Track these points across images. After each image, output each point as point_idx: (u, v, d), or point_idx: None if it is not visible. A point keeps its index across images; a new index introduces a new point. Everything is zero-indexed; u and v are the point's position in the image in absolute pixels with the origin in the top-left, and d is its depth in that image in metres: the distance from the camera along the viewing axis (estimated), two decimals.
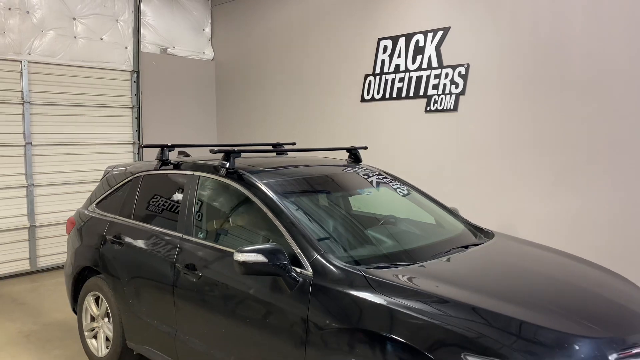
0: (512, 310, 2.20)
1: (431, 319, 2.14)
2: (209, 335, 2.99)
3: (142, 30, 7.61)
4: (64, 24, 6.77)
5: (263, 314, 2.68)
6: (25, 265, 6.61)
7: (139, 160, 7.59)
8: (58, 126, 6.77)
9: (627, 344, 2.13)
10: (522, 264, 2.90)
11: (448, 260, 2.78)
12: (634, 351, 2.12)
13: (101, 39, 7.15)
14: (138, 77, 7.55)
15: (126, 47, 7.44)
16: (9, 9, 6.28)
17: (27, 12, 6.44)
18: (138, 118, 7.59)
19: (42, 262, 6.73)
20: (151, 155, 7.24)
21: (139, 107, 7.58)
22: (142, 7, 7.57)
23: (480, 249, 3.01)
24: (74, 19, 6.86)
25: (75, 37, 6.88)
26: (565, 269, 2.86)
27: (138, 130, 7.60)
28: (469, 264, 2.81)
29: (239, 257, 2.54)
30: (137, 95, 7.55)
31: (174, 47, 8.07)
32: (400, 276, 2.46)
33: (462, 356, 1.99)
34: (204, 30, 8.47)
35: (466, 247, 3.01)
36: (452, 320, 2.12)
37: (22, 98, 6.44)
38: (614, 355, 2.05)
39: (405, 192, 3.75)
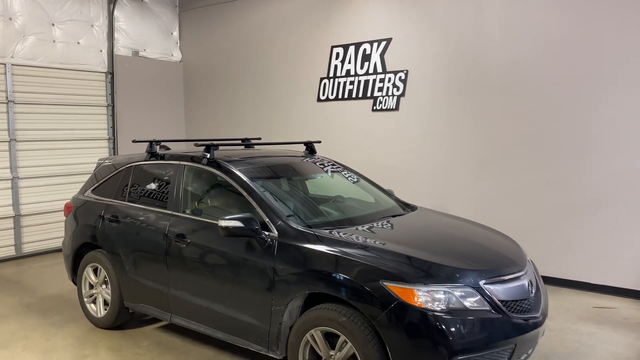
0: (418, 253, 3.16)
1: (359, 260, 3.07)
2: (196, 288, 3.83)
3: (116, 35, 8.25)
4: (44, 29, 7.37)
5: (240, 268, 3.55)
6: (10, 251, 7.21)
7: (114, 154, 8.25)
8: (40, 123, 7.38)
9: (494, 274, 3.12)
10: (432, 226, 3.92)
11: (377, 225, 3.73)
12: (497, 279, 3.11)
13: (78, 43, 7.77)
14: (112, 78, 8.20)
15: (101, 50, 8.08)
16: None
17: (10, 19, 7.01)
18: (113, 116, 8.25)
19: (27, 248, 7.35)
20: (125, 151, 7.94)
21: (113, 106, 8.24)
22: (115, 13, 8.21)
23: (403, 217, 3.99)
24: (53, 24, 7.46)
25: (54, 41, 7.49)
26: (461, 229, 3.90)
27: (113, 127, 8.27)
28: (393, 226, 3.77)
29: (222, 223, 3.40)
30: (112, 94, 8.21)
31: (144, 49, 8.74)
32: (341, 234, 3.38)
33: (379, 282, 2.92)
34: (172, 34, 9.17)
35: (394, 216, 3.98)
36: (374, 260, 3.05)
37: (7, 98, 7.02)
38: (483, 281, 3.03)
39: (351, 177, 4.68)
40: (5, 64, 6.98)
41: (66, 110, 7.66)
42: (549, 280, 5.77)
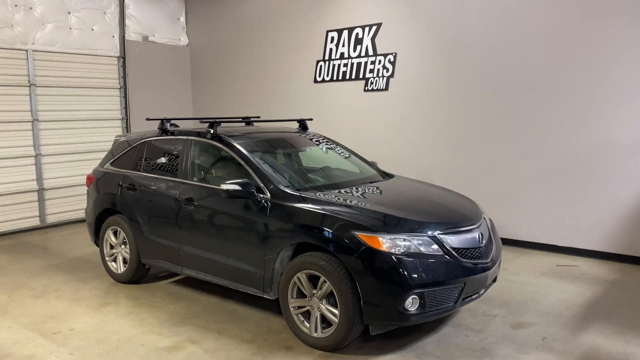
0: (387, 210, 3.79)
1: (336, 215, 3.70)
2: (203, 243, 4.50)
3: (126, 21, 8.84)
4: (61, 17, 7.98)
5: (239, 225, 4.20)
6: (36, 222, 7.94)
7: (127, 132, 8.90)
8: (59, 105, 8.04)
9: (448, 226, 3.76)
10: (403, 190, 4.56)
11: (357, 189, 4.36)
12: (451, 231, 3.74)
13: (92, 29, 8.37)
14: (124, 62, 8.82)
15: (113, 36, 8.68)
16: (15, 5, 7.47)
17: (30, 8, 7.62)
18: (125, 97, 8.89)
19: (50, 219, 8.07)
20: (137, 129, 8.56)
21: (125, 88, 8.87)
22: (125, 0, 8.79)
23: (380, 183, 4.64)
24: (69, 12, 8.06)
25: (70, 28, 8.09)
26: (427, 192, 4.54)
27: (125, 108, 8.91)
28: (370, 190, 4.40)
29: (224, 186, 4.05)
30: (124, 77, 8.83)
31: (153, 35, 9.33)
32: (323, 195, 4.02)
33: (352, 232, 3.56)
34: (179, 19, 9.74)
35: (372, 182, 4.62)
36: (348, 215, 3.69)
37: (29, 81, 7.68)
38: (438, 232, 3.66)
39: (338, 150, 5.29)
40: (27, 50, 7.62)
41: (83, 92, 8.31)
42: (521, 243, 6.42)
